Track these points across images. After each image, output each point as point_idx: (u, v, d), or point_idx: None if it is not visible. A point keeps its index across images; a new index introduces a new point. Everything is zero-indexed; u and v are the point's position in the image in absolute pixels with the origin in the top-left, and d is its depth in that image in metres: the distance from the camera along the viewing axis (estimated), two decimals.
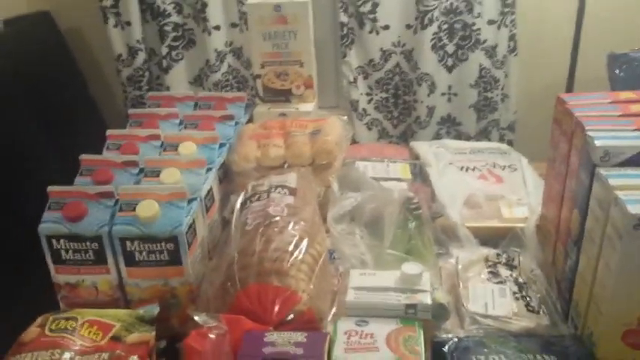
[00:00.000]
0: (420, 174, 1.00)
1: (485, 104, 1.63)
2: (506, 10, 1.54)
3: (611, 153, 0.69)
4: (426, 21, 1.53)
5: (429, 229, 0.85)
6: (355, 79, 1.65)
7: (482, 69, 1.59)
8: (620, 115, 0.76)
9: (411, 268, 0.63)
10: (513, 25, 1.55)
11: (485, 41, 1.57)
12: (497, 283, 0.79)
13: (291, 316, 0.64)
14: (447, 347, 0.66)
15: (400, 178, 0.98)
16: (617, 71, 0.90)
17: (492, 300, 0.76)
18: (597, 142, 0.69)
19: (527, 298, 0.77)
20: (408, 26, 1.58)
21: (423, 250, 0.80)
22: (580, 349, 0.68)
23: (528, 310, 0.75)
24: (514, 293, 0.77)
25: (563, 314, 0.76)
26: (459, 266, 0.82)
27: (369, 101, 1.68)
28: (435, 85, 1.60)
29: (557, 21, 1.62)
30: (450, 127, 1.66)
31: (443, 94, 1.63)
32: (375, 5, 1.56)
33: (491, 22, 1.55)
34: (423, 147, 1.17)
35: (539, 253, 0.85)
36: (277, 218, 0.73)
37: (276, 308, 0.63)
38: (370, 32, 1.59)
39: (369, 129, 1.71)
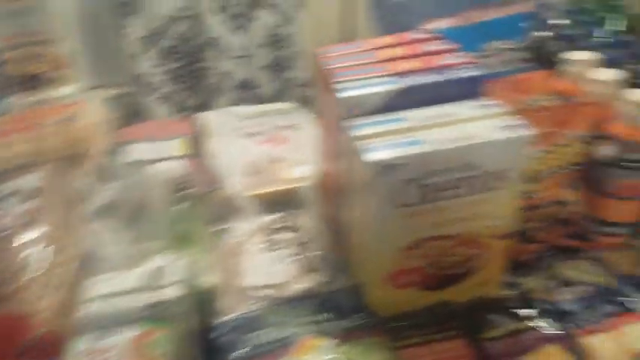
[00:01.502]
0: (198, 148, 0.94)
1: (279, 63, 1.60)
2: None
3: (357, 103, 0.68)
4: None
5: (204, 207, 0.79)
6: (140, 51, 1.52)
7: (270, 27, 1.55)
8: (372, 62, 0.76)
9: (156, 261, 0.57)
10: None
11: None
12: (276, 249, 0.76)
13: (28, 344, 0.55)
14: (213, 334, 0.62)
15: (174, 157, 0.90)
16: (379, 17, 0.90)
17: (269, 268, 0.73)
18: (343, 94, 0.68)
19: (306, 259, 0.75)
20: None
21: (196, 232, 0.74)
22: (354, 300, 0.68)
23: (308, 271, 0.74)
24: (292, 256, 0.75)
25: (344, 268, 0.76)
26: (236, 240, 0.78)
27: (160, 73, 1.57)
28: (225, 48, 1.54)
29: None
30: (248, 91, 1.62)
31: (235, 57, 1.57)
32: None
33: None
34: (209, 117, 1.11)
35: (321, 210, 0.85)
36: (5, 232, 0.62)
37: (5, 341, 0.54)
38: None
39: (163, 103, 1.60)
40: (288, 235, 0.80)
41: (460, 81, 0.69)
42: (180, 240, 0.71)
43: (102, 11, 1.56)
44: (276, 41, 1.58)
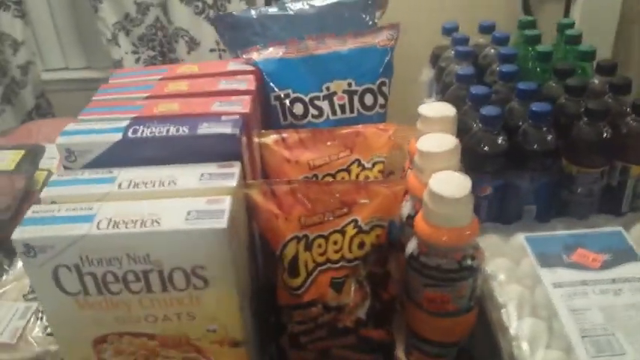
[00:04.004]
0: (31, 163, 0.86)
1: None
2: None
3: (75, 152, 0.56)
4: None
5: None
6: (115, 36, 1.48)
7: None
8: (135, 99, 0.63)
9: None
10: None
11: None
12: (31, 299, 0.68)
13: None
14: None
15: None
16: (224, 34, 0.77)
17: (7, 322, 0.65)
18: (60, 139, 0.56)
19: None
20: None
21: None
22: None
23: (49, 334, 0.64)
24: (40, 312, 0.66)
25: None
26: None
27: (137, 60, 1.52)
28: (196, 40, 1.44)
29: None
30: None
31: (212, 50, 1.47)
32: None
33: None
34: None
35: None
36: None
37: None
38: None
39: None
40: None
41: (203, 137, 0.55)
42: None
43: None
44: None
